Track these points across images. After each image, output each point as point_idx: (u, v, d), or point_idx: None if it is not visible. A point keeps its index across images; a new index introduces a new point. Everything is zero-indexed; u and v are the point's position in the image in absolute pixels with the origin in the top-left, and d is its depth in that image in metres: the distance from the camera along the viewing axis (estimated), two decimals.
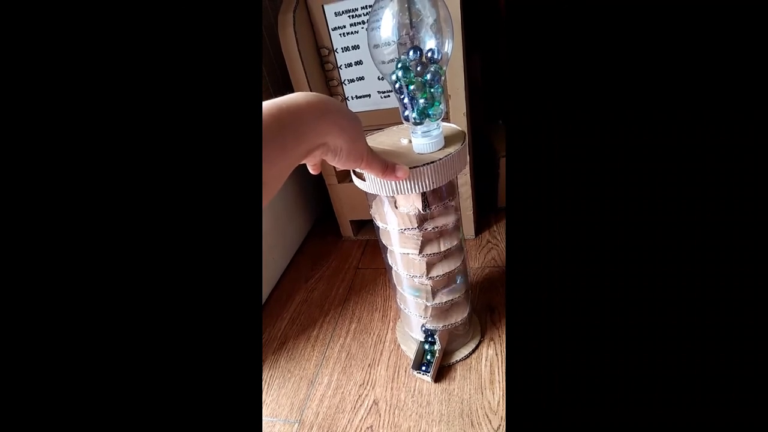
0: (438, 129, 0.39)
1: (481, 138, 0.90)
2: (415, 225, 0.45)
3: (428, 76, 0.35)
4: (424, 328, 0.54)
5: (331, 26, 0.65)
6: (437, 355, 0.52)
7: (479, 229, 0.80)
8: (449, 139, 0.41)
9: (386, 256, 0.52)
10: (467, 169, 0.70)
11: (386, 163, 0.35)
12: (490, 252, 0.75)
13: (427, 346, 0.55)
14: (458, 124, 0.65)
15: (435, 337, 0.53)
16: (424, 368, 0.53)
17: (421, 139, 0.38)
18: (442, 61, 0.36)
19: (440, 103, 0.37)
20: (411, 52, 0.34)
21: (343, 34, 0.65)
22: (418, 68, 0.35)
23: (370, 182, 0.38)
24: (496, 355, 0.54)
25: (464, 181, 0.71)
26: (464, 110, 0.63)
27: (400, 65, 0.35)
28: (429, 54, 0.35)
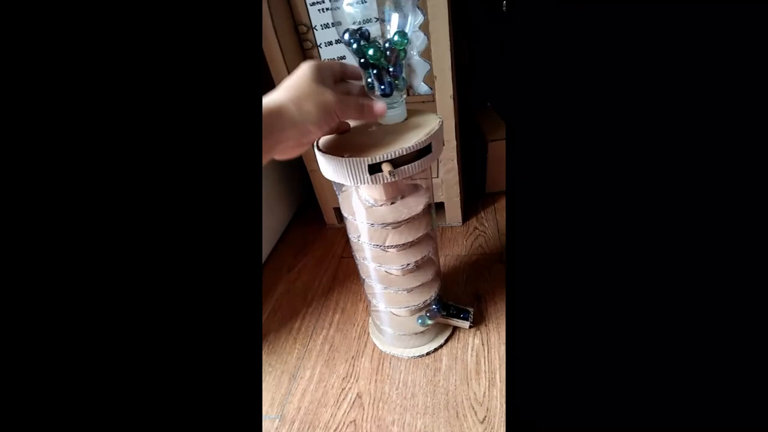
0: (400, 100, 0.39)
1: (470, 121, 0.87)
2: (382, 221, 0.43)
3: (380, 58, 0.36)
4: (426, 313, 0.53)
5: (308, 1, 0.61)
6: (450, 303, 0.55)
7: (466, 216, 0.79)
8: (417, 125, 0.38)
9: (353, 246, 0.50)
10: (454, 154, 0.68)
11: (360, 108, 0.34)
12: (477, 239, 0.73)
13: (446, 312, 0.54)
14: (445, 107, 0.62)
15: (437, 305, 0.53)
16: (462, 316, 0.54)
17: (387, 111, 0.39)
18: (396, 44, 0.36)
19: (390, 80, 0.37)
20: (346, 35, 0.35)
21: (322, 9, 0.61)
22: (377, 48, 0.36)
23: (333, 171, 0.37)
24: (482, 344, 0.53)
25: (451, 167, 0.69)
26: (451, 93, 0.60)
27: (355, 43, 0.36)
28: (360, 32, 0.36)
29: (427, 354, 0.53)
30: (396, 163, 0.34)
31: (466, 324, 0.54)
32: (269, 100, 0.30)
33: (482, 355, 0.52)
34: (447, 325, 0.56)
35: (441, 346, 0.54)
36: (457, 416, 0.46)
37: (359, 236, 0.46)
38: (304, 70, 0.32)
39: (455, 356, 0.52)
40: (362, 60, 0.36)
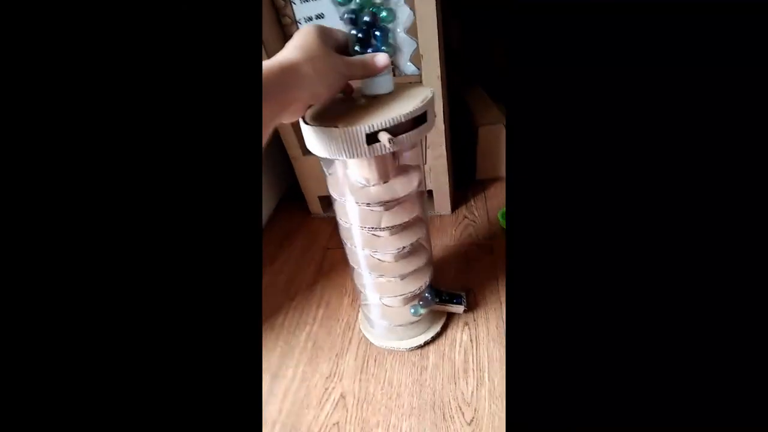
0: (387, 70, 0.36)
1: (459, 106, 0.83)
2: (378, 200, 0.40)
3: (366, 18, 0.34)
4: (419, 302, 0.50)
5: None
6: (442, 289, 0.54)
7: (456, 204, 0.76)
8: (407, 96, 0.35)
9: (342, 233, 0.47)
10: (443, 139, 0.64)
11: (364, 63, 0.33)
12: (466, 229, 0.70)
13: (439, 298, 0.53)
14: (432, 87, 0.58)
15: (430, 292, 0.51)
16: (456, 301, 0.53)
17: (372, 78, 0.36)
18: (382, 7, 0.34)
19: (378, 44, 0.35)
20: None
21: None
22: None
23: (325, 145, 0.33)
24: (471, 341, 0.51)
25: (440, 153, 0.66)
26: (438, 72, 0.56)
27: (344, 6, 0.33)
28: None
29: (425, 344, 0.51)
30: (393, 131, 0.32)
31: (460, 308, 0.52)
32: (282, 57, 0.28)
33: (470, 352, 0.50)
34: (441, 313, 0.54)
35: (437, 335, 0.52)
36: (444, 418, 0.44)
37: (350, 221, 0.44)
38: (310, 32, 0.30)
39: (442, 354, 0.50)
40: (352, 16, 0.34)
